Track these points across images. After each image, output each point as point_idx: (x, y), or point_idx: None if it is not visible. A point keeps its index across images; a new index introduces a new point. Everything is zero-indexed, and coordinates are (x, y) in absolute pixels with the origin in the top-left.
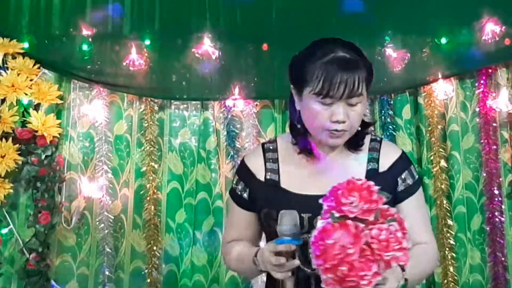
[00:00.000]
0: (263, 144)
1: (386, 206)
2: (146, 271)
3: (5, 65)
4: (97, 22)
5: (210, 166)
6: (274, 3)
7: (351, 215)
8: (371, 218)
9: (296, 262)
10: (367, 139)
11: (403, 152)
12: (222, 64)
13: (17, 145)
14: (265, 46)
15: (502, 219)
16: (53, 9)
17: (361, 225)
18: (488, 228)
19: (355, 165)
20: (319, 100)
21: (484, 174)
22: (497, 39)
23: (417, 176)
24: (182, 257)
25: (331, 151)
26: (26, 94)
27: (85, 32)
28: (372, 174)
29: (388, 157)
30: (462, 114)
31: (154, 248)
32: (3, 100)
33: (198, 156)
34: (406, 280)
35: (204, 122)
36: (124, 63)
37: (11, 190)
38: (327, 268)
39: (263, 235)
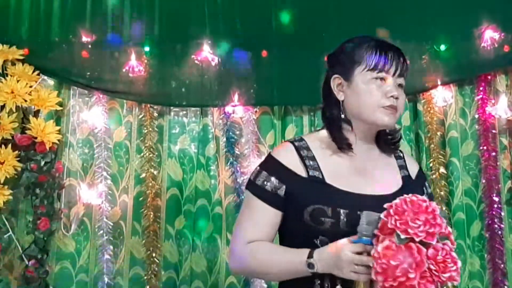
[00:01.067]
0: (292, 142)
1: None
2: (145, 278)
3: (5, 72)
4: (97, 29)
5: (209, 172)
6: (273, 10)
7: (417, 239)
8: (433, 241)
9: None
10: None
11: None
12: (222, 70)
13: (17, 152)
14: (264, 53)
15: (502, 225)
16: (53, 15)
17: (424, 250)
18: (487, 235)
19: (391, 170)
20: (374, 76)
21: (484, 181)
22: (496, 45)
23: (430, 188)
24: (181, 264)
25: (373, 152)
26: (25, 101)
27: (85, 38)
28: (407, 180)
29: (413, 166)
30: (461, 120)
31: (154, 254)
32: (3, 107)
33: (198, 163)
34: None
35: (204, 128)
36: (124, 70)
37: (11, 197)
38: (385, 286)
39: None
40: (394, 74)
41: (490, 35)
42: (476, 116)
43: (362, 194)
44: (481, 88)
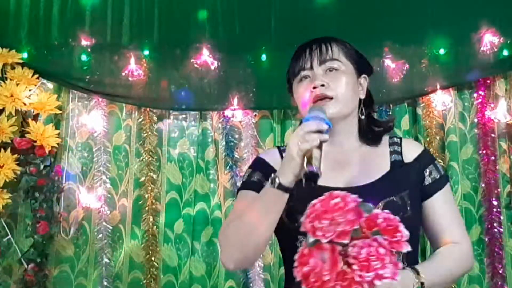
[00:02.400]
0: (277, 147)
1: (376, 212)
2: (144, 281)
3: (4, 75)
4: (96, 32)
5: (208, 176)
6: (272, 14)
7: (325, 240)
8: (346, 240)
9: (326, 136)
10: (386, 137)
11: (426, 148)
12: (221, 74)
13: (16, 155)
14: (264, 57)
15: (501, 229)
16: (52, 19)
17: (339, 248)
18: (486, 239)
19: (377, 158)
20: (298, 79)
21: (483, 185)
22: (495, 50)
23: (443, 172)
24: (180, 268)
25: (349, 144)
26: (25, 104)
27: (84, 42)
28: (396, 165)
29: (411, 150)
30: (461, 124)
31: (153, 258)
32: (2, 110)
33: (197, 167)
34: (422, 283)
35: (203, 132)
36: (123, 73)
37: (10, 200)
38: None
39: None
40: (317, 64)
41: (489, 39)
42: (476, 120)
43: (337, 187)
44: (480, 92)
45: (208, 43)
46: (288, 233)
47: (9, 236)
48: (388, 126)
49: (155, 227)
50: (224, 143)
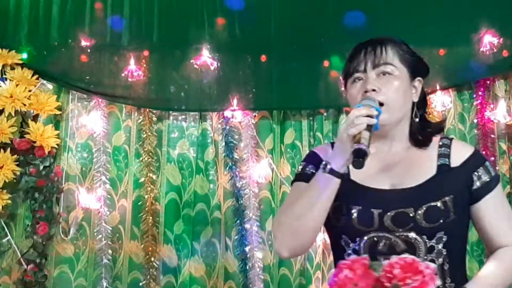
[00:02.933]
0: (331, 143)
1: (391, 262)
2: (144, 282)
3: (4, 76)
4: (96, 33)
5: (208, 177)
6: (272, 15)
7: None
8: None
9: (374, 120)
10: (437, 138)
11: (477, 150)
12: (221, 75)
13: (16, 156)
14: (263, 57)
15: None
16: (52, 20)
17: None
18: None
19: (424, 161)
20: (352, 81)
21: None
22: (495, 50)
23: (494, 173)
24: (180, 268)
25: (398, 147)
26: (24, 105)
27: (84, 43)
28: (443, 169)
29: (460, 153)
30: (460, 125)
31: (152, 259)
32: (2, 111)
33: (197, 167)
34: None
35: (203, 133)
36: (123, 74)
37: (9, 201)
38: None
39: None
40: (371, 68)
41: (489, 40)
42: (475, 121)
43: (382, 189)
44: (480, 93)
45: (207, 44)
46: (333, 230)
47: (9, 236)
48: (439, 128)
49: (154, 227)
50: (223, 143)
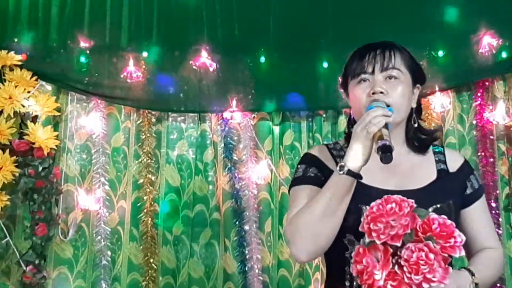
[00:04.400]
0: (325, 144)
1: (433, 217)
2: (143, 283)
3: (3, 77)
4: (95, 34)
5: (207, 178)
6: (271, 16)
7: (379, 242)
8: (398, 243)
9: (390, 119)
10: (430, 147)
11: (466, 159)
12: (220, 76)
13: (14, 157)
14: (262, 59)
15: (499, 232)
16: (51, 21)
17: (391, 251)
18: None
19: (425, 165)
20: (357, 81)
21: None
22: (494, 52)
23: (481, 182)
24: (179, 270)
25: (398, 150)
26: (23, 106)
27: (83, 44)
28: (443, 174)
29: (455, 160)
30: (459, 126)
31: (151, 260)
32: (1, 112)
33: (195, 168)
34: (476, 284)
35: (202, 134)
36: (122, 75)
37: (8, 202)
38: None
39: None
40: (379, 71)
41: (488, 41)
42: (474, 122)
43: (388, 190)
44: (479, 94)
45: (207, 45)
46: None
47: (8, 238)
48: (435, 136)
49: (153, 229)
50: (222, 145)
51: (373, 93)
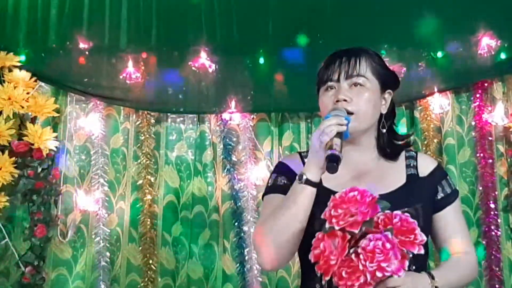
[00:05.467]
0: (298, 153)
1: (396, 213)
2: (142, 284)
3: (2, 78)
4: (94, 35)
5: (206, 179)
6: (270, 17)
7: (337, 227)
8: (356, 230)
9: (343, 127)
10: (402, 152)
11: (439, 163)
12: (219, 77)
13: (14, 158)
14: (261, 60)
15: (498, 233)
16: (50, 22)
17: (348, 237)
18: (484, 242)
19: (394, 171)
20: (324, 88)
21: (480, 188)
22: (493, 53)
23: (454, 187)
24: (178, 271)
25: (367, 156)
26: (22, 107)
27: (82, 45)
28: (412, 178)
29: (426, 164)
30: (458, 127)
31: (150, 261)
32: (0, 113)
33: (195, 169)
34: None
35: (201, 135)
36: (121, 76)
37: (7, 203)
38: (321, 271)
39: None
40: (344, 78)
41: (487, 42)
42: (473, 123)
43: None
44: (477, 95)
45: (206, 46)
46: (305, 236)
47: (7, 239)
48: (407, 143)
49: (152, 230)
50: (221, 146)
51: (337, 101)
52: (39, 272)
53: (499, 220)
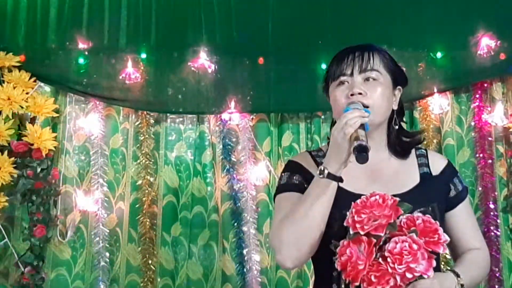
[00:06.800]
0: (308, 151)
1: (418, 215)
2: (141, 284)
3: (1, 78)
4: (94, 35)
5: (205, 179)
6: (270, 17)
7: (362, 232)
8: (381, 233)
9: (366, 119)
10: (412, 150)
11: (449, 160)
12: (218, 77)
13: (13, 158)
14: (261, 60)
15: (498, 233)
16: (49, 22)
17: (374, 241)
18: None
19: (407, 169)
20: (336, 83)
21: (480, 188)
22: (492, 53)
23: (464, 184)
24: (177, 271)
25: (379, 154)
26: (22, 107)
27: (81, 45)
28: (426, 177)
29: (437, 162)
30: (458, 128)
31: (150, 261)
32: None
33: (194, 170)
34: (462, 286)
35: (200, 135)
36: (120, 77)
37: (7, 204)
38: (348, 278)
39: None
40: (358, 72)
41: (486, 43)
42: (472, 123)
43: None
44: (477, 96)
45: (205, 46)
46: (322, 237)
47: (6, 239)
48: (417, 139)
49: (152, 230)
50: (221, 146)
51: (352, 95)
52: (39, 272)
53: (498, 221)
